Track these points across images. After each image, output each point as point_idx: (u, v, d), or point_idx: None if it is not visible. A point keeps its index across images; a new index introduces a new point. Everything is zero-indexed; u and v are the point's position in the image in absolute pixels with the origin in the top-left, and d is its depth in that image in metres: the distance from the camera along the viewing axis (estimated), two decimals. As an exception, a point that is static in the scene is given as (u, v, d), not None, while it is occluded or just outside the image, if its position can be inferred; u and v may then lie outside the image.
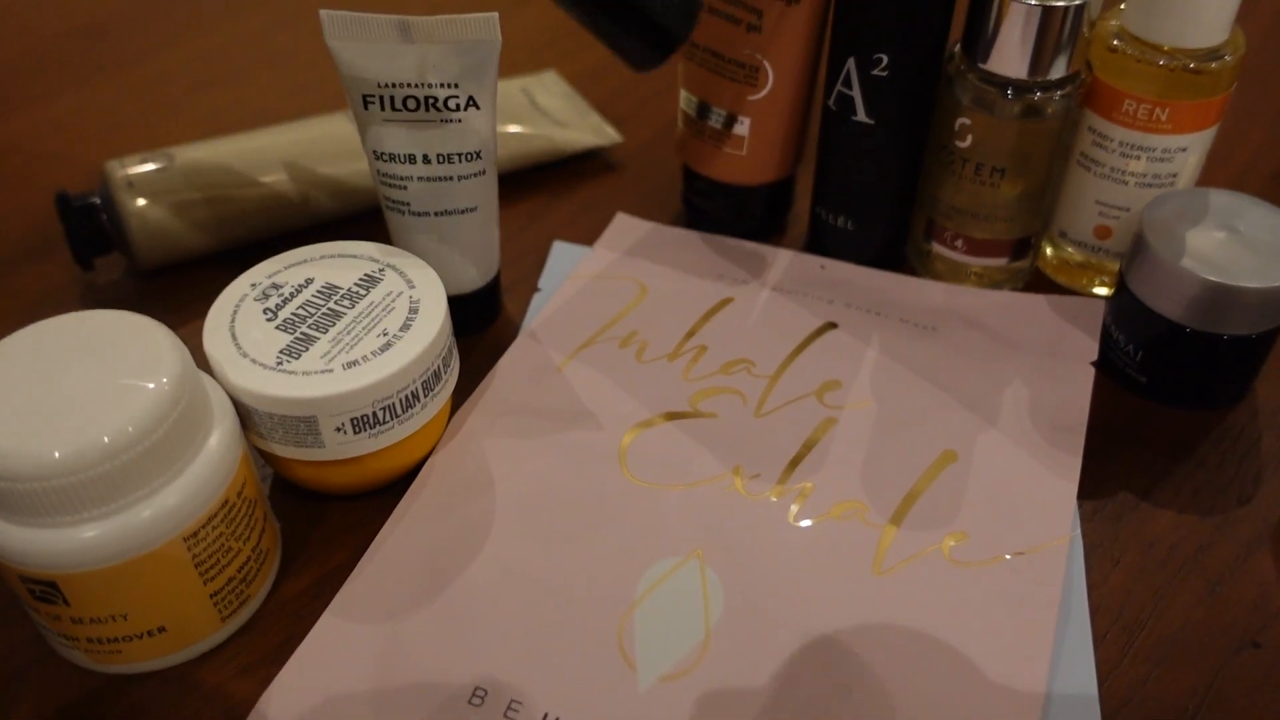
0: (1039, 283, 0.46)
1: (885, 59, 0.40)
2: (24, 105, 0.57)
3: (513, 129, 0.50)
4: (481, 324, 0.43)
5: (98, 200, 0.43)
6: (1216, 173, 0.51)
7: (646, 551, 0.34)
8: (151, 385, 0.29)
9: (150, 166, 0.44)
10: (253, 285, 0.36)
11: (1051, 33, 0.38)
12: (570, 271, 0.45)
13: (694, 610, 0.33)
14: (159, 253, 0.44)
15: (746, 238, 0.47)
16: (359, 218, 0.48)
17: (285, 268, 0.37)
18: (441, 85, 0.36)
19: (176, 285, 0.46)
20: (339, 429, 0.33)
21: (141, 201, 0.43)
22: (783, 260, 0.46)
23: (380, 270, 0.37)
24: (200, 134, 0.50)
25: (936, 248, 0.45)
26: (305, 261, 0.37)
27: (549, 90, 0.54)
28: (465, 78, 0.36)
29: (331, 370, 0.33)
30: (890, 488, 0.36)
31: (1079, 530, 0.36)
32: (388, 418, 0.34)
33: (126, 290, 0.46)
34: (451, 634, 0.33)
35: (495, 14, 0.36)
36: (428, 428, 0.36)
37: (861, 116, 0.41)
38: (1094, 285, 0.45)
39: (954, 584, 0.34)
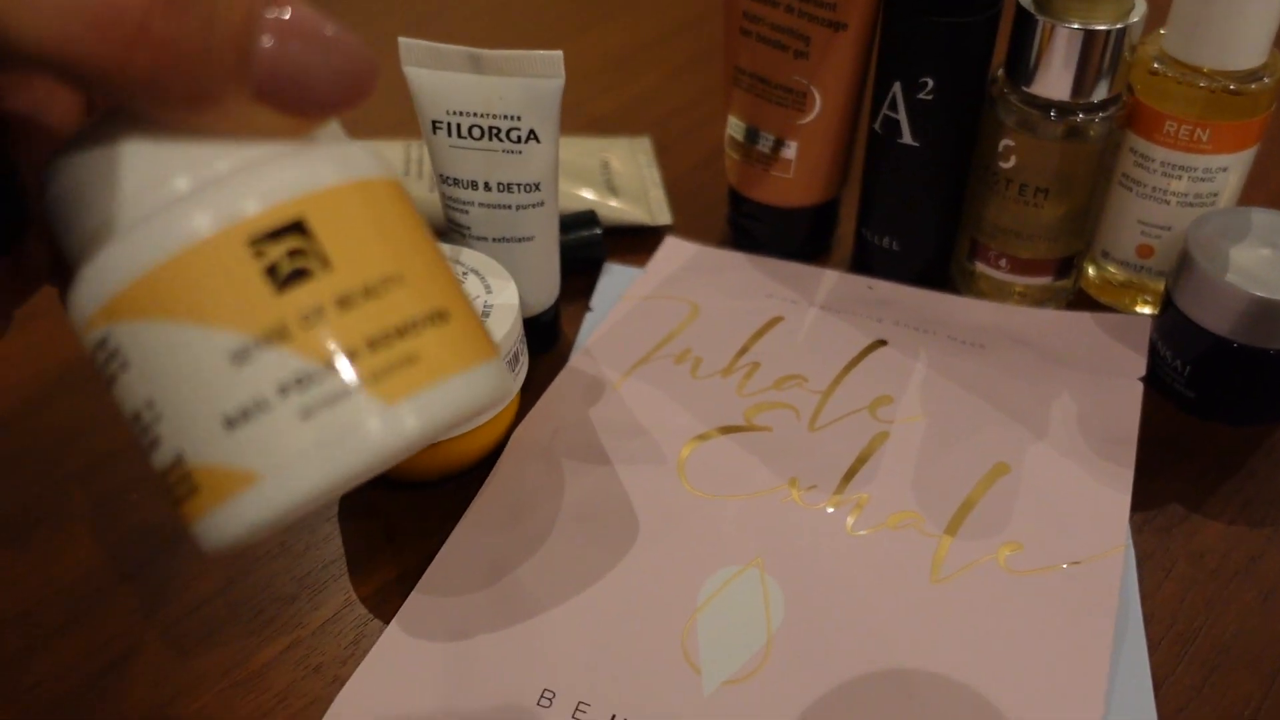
0: (1082, 302, 0.47)
1: (930, 83, 0.41)
2: None
3: (575, 189, 0.51)
4: (539, 348, 0.44)
5: None
6: (1255, 192, 0.52)
7: (707, 560, 0.35)
8: None
9: None
10: None
11: (1094, 56, 0.39)
12: (622, 292, 0.46)
13: (756, 617, 0.34)
14: None
15: (792, 259, 0.48)
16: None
17: None
18: (505, 116, 0.38)
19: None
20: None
21: None
22: (830, 280, 0.47)
23: (464, 274, 0.38)
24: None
25: (980, 267, 0.46)
26: None
27: (629, 157, 0.54)
28: (528, 111, 0.38)
29: None
30: (944, 499, 0.37)
31: (1130, 541, 0.37)
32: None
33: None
34: (517, 641, 0.33)
35: (560, 53, 0.37)
36: (498, 417, 0.38)
37: (907, 139, 0.43)
38: (1137, 304, 0.46)
39: (1011, 592, 0.34)
